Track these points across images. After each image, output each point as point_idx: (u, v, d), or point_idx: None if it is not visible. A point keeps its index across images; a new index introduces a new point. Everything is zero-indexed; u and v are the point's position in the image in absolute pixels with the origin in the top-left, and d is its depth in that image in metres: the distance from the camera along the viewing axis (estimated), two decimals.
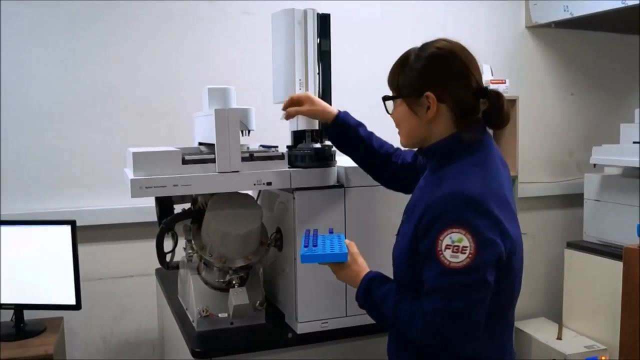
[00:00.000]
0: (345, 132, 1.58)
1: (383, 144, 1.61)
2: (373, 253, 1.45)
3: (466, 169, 1.22)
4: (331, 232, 1.53)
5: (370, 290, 1.30)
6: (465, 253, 1.12)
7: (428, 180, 1.31)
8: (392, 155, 1.60)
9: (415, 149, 1.40)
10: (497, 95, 1.27)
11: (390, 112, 1.35)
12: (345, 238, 1.46)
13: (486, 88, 1.28)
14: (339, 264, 1.35)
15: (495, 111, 1.27)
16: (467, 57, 1.28)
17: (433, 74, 1.26)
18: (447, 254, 1.13)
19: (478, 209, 1.15)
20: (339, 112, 1.59)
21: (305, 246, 1.39)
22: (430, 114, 1.26)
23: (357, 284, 1.33)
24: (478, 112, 1.28)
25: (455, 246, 1.13)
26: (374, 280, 1.32)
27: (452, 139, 1.27)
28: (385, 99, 1.35)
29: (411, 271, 1.24)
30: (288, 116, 1.61)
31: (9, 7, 2.36)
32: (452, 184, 1.19)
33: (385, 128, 3.17)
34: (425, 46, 1.30)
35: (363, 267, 1.36)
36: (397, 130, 1.36)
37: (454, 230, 1.13)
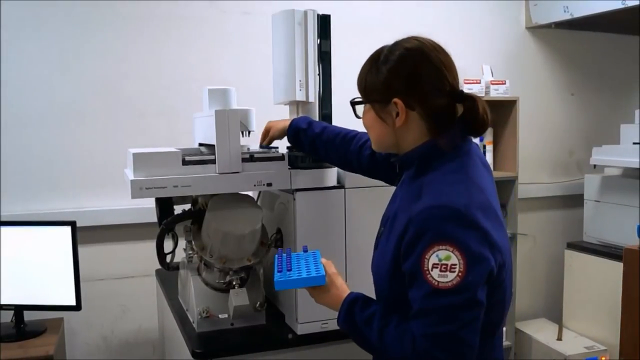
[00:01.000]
0: (298, 135, 1.61)
1: (339, 131, 1.57)
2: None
3: (447, 177, 1.13)
4: (305, 250, 1.43)
5: (352, 314, 1.21)
6: (454, 272, 1.03)
7: (407, 189, 1.21)
8: (354, 139, 1.54)
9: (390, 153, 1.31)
10: (472, 99, 1.17)
11: (359, 116, 1.27)
12: (322, 256, 1.36)
13: (461, 91, 1.17)
14: (316, 287, 1.27)
15: (471, 116, 1.17)
16: (440, 58, 1.16)
17: (401, 78, 1.16)
18: (435, 273, 1.04)
19: (464, 222, 1.05)
20: (292, 120, 1.63)
21: (279, 270, 1.29)
22: (399, 122, 1.17)
23: (337, 308, 1.25)
24: (454, 117, 1.18)
25: (444, 264, 1.03)
26: (354, 303, 1.22)
27: (427, 146, 1.17)
28: (353, 103, 1.27)
29: (393, 289, 1.17)
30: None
31: (9, 6, 2.36)
32: (434, 195, 1.09)
33: None
34: (395, 46, 1.19)
35: (342, 288, 1.27)
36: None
37: (441, 247, 1.04)
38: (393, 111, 1.18)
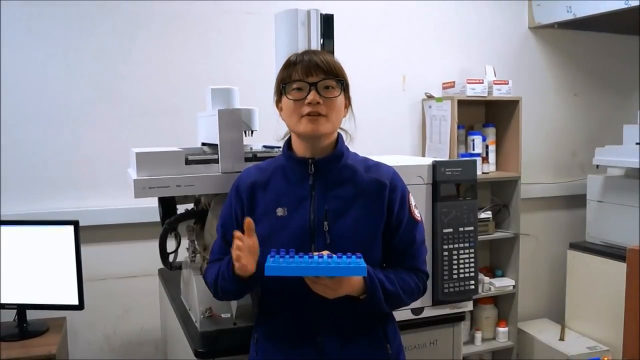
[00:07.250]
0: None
1: None
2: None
3: (360, 155, 1.44)
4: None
5: (381, 284, 1.31)
6: (417, 207, 1.44)
7: (344, 173, 1.37)
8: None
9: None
10: None
11: (333, 95, 1.32)
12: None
13: None
14: (340, 279, 1.24)
15: None
16: None
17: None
18: (416, 212, 1.42)
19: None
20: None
21: (303, 257, 1.20)
22: (346, 111, 1.38)
23: (359, 290, 1.29)
24: None
25: (415, 205, 1.43)
26: (374, 274, 1.30)
27: (340, 135, 1.40)
28: (343, 84, 1.34)
29: (379, 247, 1.37)
30: None
31: (10, 6, 2.36)
32: (381, 164, 1.41)
33: (386, 128, 3.14)
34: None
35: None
36: (326, 116, 1.31)
37: (409, 193, 1.42)
38: (346, 98, 1.37)
